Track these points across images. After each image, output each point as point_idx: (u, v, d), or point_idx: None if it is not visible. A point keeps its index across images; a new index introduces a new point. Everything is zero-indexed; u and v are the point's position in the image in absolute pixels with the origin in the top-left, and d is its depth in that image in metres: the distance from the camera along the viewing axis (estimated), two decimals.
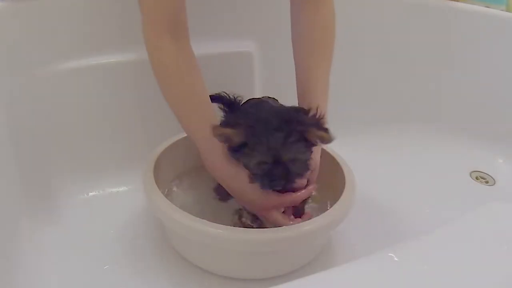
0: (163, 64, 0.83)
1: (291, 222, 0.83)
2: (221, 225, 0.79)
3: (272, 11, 1.18)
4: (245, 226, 0.90)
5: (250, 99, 0.97)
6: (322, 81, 0.90)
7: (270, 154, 0.76)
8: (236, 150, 0.79)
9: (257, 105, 0.92)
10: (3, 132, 0.96)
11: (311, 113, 0.79)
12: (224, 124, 0.80)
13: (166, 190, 1.01)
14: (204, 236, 0.80)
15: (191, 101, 0.84)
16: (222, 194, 0.95)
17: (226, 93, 0.97)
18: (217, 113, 0.92)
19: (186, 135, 1.02)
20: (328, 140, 0.76)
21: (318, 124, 0.77)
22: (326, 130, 0.76)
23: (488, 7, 1.37)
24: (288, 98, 0.89)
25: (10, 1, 0.98)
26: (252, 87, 1.19)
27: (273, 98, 0.97)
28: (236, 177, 0.82)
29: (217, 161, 0.83)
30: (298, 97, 0.90)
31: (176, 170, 1.05)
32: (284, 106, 0.87)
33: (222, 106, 0.98)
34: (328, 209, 0.87)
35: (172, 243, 0.96)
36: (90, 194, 1.10)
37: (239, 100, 0.96)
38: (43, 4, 1.01)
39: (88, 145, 1.11)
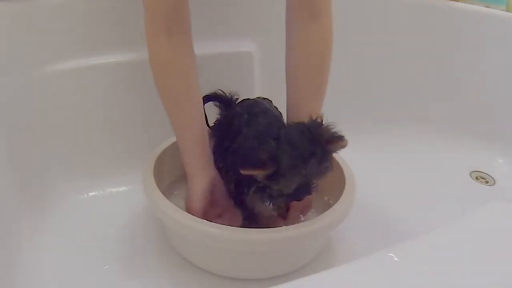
0: (156, 58, 0.84)
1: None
2: (221, 225, 0.80)
3: (272, 11, 1.17)
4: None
5: (244, 99, 0.97)
6: (316, 99, 0.91)
7: (304, 179, 0.77)
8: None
9: (266, 116, 0.89)
10: (2, 132, 0.96)
11: (323, 124, 0.79)
12: (251, 163, 0.76)
13: (166, 190, 1.01)
14: (204, 236, 0.81)
15: (180, 97, 0.86)
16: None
17: (222, 91, 0.97)
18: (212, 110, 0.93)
19: None
20: (346, 145, 0.78)
21: (336, 134, 0.78)
22: (343, 137, 0.78)
23: (488, 7, 1.37)
24: None
25: (9, 1, 0.98)
26: (252, 87, 1.20)
27: (267, 99, 0.97)
28: (203, 186, 0.86)
29: (196, 166, 0.87)
30: (287, 109, 0.91)
31: (176, 170, 1.04)
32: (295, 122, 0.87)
33: (218, 104, 0.98)
34: (328, 209, 0.87)
35: (172, 243, 0.96)
36: (90, 194, 1.10)
37: (236, 99, 0.97)
38: (42, 4, 1.01)
39: (88, 145, 1.11)
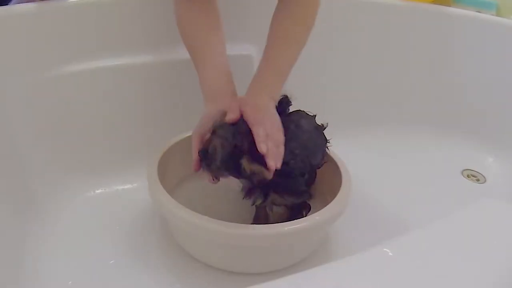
0: (178, 17, 0.92)
1: None
2: (223, 221, 0.81)
3: (272, 14, 1.20)
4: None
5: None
6: (278, 66, 0.89)
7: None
8: None
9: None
10: (11, 131, 0.98)
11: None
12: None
13: (171, 187, 1.02)
14: (207, 232, 0.82)
15: (200, 52, 0.91)
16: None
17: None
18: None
19: (190, 134, 1.04)
20: None
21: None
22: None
23: (479, 11, 1.38)
24: None
25: (21, 4, 0.99)
26: None
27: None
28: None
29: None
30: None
31: (181, 168, 1.05)
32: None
33: None
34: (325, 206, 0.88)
35: (176, 239, 0.97)
36: (97, 191, 1.11)
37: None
38: (51, 7, 1.02)
39: (95, 144, 1.12)
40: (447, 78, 1.41)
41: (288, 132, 0.82)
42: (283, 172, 0.78)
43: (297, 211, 0.93)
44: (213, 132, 0.80)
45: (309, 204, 0.95)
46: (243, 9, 1.19)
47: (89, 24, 1.06)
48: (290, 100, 0.91)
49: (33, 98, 1.02)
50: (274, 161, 0.76)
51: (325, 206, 0.87)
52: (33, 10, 1.00)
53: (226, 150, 0.78)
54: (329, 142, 0.95)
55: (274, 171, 0.76)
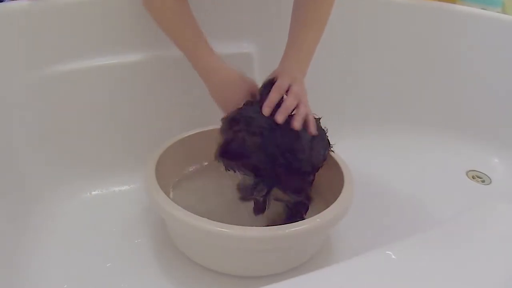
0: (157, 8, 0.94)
1: None
2: (221, 223, 0.80)
3: (272, 12, 1.19)
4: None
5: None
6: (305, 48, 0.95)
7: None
8: None
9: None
10: (6, 131, 0.97)
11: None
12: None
13: (168, 188, 1.02)
14: (205, 234, 0.81)
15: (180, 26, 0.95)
16: (245, 193, 0.95)
17: None
18: None
19: (188, 134, 1.04)
20: None
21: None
22: None
23: (484, 9, 1.38)
24: None
25: (14, 1, 0.98)
26: None
27: None
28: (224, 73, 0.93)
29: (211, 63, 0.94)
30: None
31: (179, 169, 1.05)
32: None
33: None
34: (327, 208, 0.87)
35: (174, 241, 0.96)
36: (93, 193, 1.10)
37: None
38: (53, 3, 1.01)
39: (91, 144, 1.11)
40: (452, 78, 1.40)
41: (294, 132, 0.84)
42: (288, 170, 0.83)
43: (296, 211, 0.93)
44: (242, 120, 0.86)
45: (307, 204, 0.94)
46: (242, 7, 1.19)
47: (85, 22, 1.05)
48: None
49: (27, 99, 1.02)
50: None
51: (327, 207, 0.86)
52: (28, 8, 0.99)
53: (250, 148, 0.85)
54: (332, 147, 0.95)
55: (281, 169, 0.83)
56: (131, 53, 1.09)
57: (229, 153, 0.88)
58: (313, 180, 0.94)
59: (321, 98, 1.13)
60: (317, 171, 0.93)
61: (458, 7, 1.37)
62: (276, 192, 0.90)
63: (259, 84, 0.94)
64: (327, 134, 0.94)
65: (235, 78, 0.93)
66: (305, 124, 0.85)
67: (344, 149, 0.99)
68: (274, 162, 0.84)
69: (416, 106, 1.43)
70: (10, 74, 0.98)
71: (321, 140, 0.92)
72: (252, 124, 0.85)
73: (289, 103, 0.84)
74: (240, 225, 0.81)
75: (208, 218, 0.80)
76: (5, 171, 0.95)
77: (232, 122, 0.87)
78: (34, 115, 1.03)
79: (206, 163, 1.11)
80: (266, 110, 0.84)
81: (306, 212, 0.93)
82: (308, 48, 0.95)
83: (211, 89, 0.94)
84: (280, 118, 0.82)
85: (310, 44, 0.95)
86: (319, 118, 0.95)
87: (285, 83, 0.86)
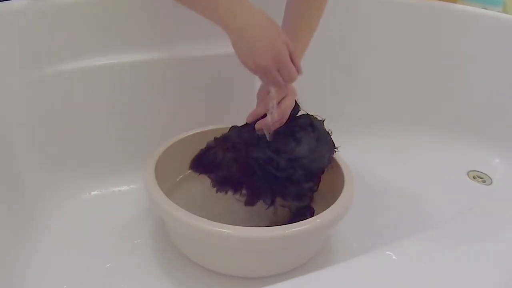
0: None
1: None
2: (222, 223, 0.80)
3: (272, 12, 1.19)
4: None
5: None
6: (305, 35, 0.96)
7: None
8: None
9: None
10: (5, 131, 0.97)
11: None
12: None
13: (168, 189, 1.01)
14: (205, 234, 0.80)
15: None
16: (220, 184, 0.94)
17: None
18: None
19: (187, 135, 1.04)
20: None
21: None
22: None
23: (485, 8, 1.38)
24: None
25: (19, 1, 0.98)
26: (252, 88, 1.20)
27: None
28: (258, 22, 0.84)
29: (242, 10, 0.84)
30: None
31: (179, 169, 1.05)
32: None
33: None
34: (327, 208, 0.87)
35: (174, 241, 0.96)
36: (93, 193, 1.10)
37: None
38: (47, 4, 1.00)
39: (91, 144, 1.11)
40: (453, 77, 1.40)
41: (295, 137, 0.86)
42: (288, 178, 0.85)
43: (301, 214, 0.92)
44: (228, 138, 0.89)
45: (313, 208, 0.95)
46: None
47: (85, 22, 1.05)
48: (299, 104, 0.94)
49: (28, 98, 1.01)
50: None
51: (327, 208, 0.85)
52: (28, 7, 0.98)
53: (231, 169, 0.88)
54: (336, 148, 0.96)
55: (281, 177, 0.85)
56: (131, 53, 1.09)
57: (200, 166, 0.91)
58: (318, 183, 0.94)
59: (321, 98, 1.13)
60: (322, 174, 0.94)
61: (459, 6, 1.37)
62: (280, 201, 0.91)
63: (257, 83, 0.94)
64: (331, 136, 0.95)
65: (267, 21, 0.84)
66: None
67: (344, 149, 0.98)
68: (252, 174, 0.86)
69: (417, 106, 1.43)
70: (10, 74, 0.98)
71: (325, 143, 0.92)
72: (227, 139, 0.89)
73: (271, 119, 0.87)
74: (240, 225, 0.80)
75: (208, 219, 0.80)
76: (5, 171, 0.95)
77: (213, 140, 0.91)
78: (34, 115, 1.03)
79: None
80: (249, 119, 0.88)
81: (312, 215, 0.93)
82: (302, 47, 0.95)
83: (239, 35, 0.82)
84: (257, 126, 0.87)
85: (304, 43, 0.95)
86: (323, 120, 0.95)
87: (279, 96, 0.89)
